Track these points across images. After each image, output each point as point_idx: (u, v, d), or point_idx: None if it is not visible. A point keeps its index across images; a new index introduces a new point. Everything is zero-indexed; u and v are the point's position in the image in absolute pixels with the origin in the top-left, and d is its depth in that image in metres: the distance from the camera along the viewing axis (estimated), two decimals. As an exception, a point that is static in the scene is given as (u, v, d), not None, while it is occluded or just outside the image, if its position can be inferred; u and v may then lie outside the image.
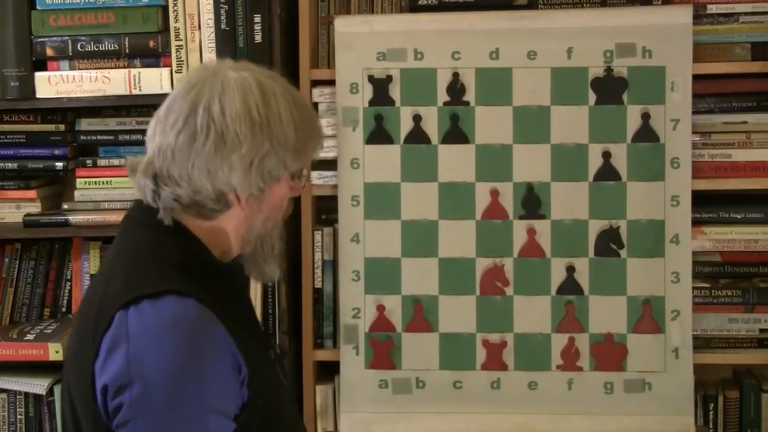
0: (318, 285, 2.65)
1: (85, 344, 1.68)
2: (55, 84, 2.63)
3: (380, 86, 2.58)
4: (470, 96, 2.56)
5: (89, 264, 2.70)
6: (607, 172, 2.54)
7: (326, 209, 2.70)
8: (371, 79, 2.58)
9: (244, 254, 1.83)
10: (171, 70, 2.60)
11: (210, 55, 2.58)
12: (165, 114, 1.74)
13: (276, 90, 1.75)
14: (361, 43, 2.58)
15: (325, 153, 2.60)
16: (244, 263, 1.85)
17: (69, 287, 2.74)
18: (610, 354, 2.56)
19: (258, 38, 2.57)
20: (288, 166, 1.76)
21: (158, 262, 1.71)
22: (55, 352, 2.58)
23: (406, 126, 2.58)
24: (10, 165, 2.74)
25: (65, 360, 1.82)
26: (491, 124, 2.56)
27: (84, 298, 1.86)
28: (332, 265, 2.64)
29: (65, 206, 2.73)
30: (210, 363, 1.63)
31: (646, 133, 2.53)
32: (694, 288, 2.57)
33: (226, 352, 1.66)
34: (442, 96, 2.57)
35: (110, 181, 2.70)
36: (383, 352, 2.60)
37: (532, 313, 2.57)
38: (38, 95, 2.63)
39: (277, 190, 1.78)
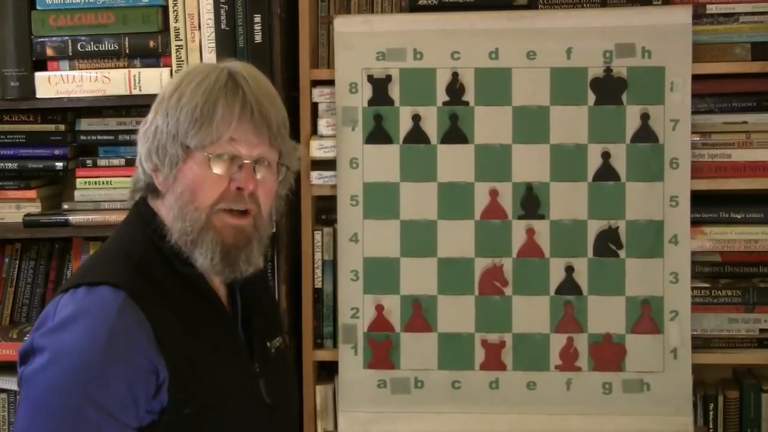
0: (318, 285, 2.65)
1: None
2: (55, 84, 2.63)
3: (379, 86, 2.58)
4: (470, 96, 2.56)
5: (89, 264, 2.70)
6: (607, 172, 2.54)
7: (326, 209, 2.70)
8: (371, 78, 2.58)
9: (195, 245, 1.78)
10: (171, 70, 2.60)
11: (210, 55, 2.58)
12: None
13: (209, 74, 1.77)
14: (360, 43, 2.58)
15: (325, 153, 2.61)
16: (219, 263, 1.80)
17: (69, 287, 2.74)
18: (608, 354, 2.56)
19: (258, 38, 2.58)
20: (187, 138, 1.75)
21: (116, 255, 1.76)
22: (55, 351, 2.58)
23: (405, 126, 2.58)
24: (10, 165, 2.75)
25: None
26: (490, 124, 2.56)
27: None
28: (332, 265, 2.64)
29: (65, 206, 2.74)
30: (113, 359, 1.64)
31: (646, 134, 2.53)
32: (694, 288, 2.57)
33: (137, 354, 1.67)
34: (442, 96, 2.57)
35: (110, 181, 2.71)
36: (382, 351, 2.60)
37: (531, 313, 2.57)
38: (38, 95, 2.63)
39: (188, 168, 1.76)
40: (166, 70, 2.60)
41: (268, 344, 1.96)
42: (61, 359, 1.63)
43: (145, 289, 1.70)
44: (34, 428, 1.63)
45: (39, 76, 2.63)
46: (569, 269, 2.55)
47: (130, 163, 2.71)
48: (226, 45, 2.58)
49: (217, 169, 1.76)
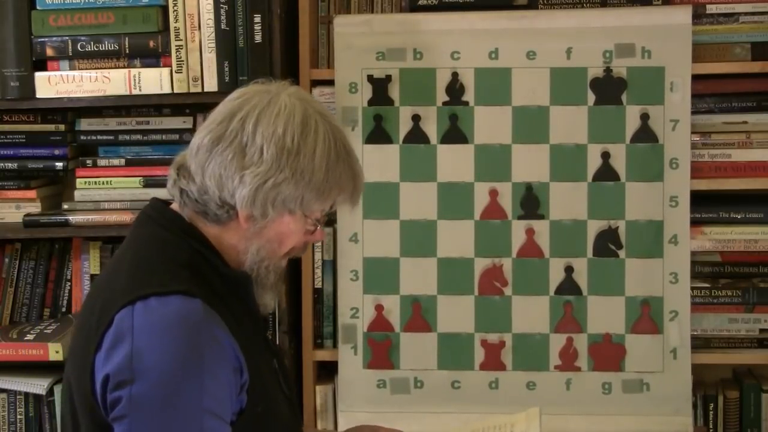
0: (318, 285, 2.65)
1: (86, 339, 1.69)
2: (55, 84, 2.63)
3: (379, 86, 2.58)
4: (469, 96, 2.56)
5: (89, 264, 2.70)
6: (606, 172, 2.54)
7: (325, 209, 2.70)
8: (370, 78, 2.58)
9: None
10: (171, 70, 2.60)
11: (210, 55, 2.58)
12: (211, 114, 1.77)
13: (320, 127, 1.73)
14: (360, 43, 2.58)
15: (325, 153, 2.60)
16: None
17: (69, 287, 2.75)
18: (608, 354, 2.56)
19: (258, 38, 2.57)
20: (305, 204, 1.74)
21: (167, 262, 1.72)
22: (55, 352, 2.58)
23: (405, 126, 2.58)
24: (10, 165, 2.74)
25: (67, 357, 1.83)
26: (490, 124, 2.56)
27: (89, 294, 1.87)
28: (332, 265, 2.64)
29: (65, 206, 2.73)
30: (210, 365, 1.63)
31: (645, 134, 2.53)
32: (694, 288, 2.57)
33: (228, 356, 1.67)
34: (441, 96, 2.57)
35: (110, 181, 2.70)
36: (381, 351, 2.60)
37: (531, 313, 2.57)
38: (38, 95, 2.63)
39: (285, 224, 1.75)
40: (166, 70, 2.60)
41: (269, 338, 1.99)
42: (167, 377, 1.60)
43: (207, 293, 1.69)
44: None
45: (39, 76, 2.63)
46: (569, 269, 2.55)
47: (130, 163, 2.71)
48: (226, 45, 2.58)
49: (311, 227, 1.79)
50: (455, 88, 2.56)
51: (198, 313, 1.64)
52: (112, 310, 1.65)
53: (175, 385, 1.61)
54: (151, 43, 2.61)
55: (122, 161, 2.72)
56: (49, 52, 2.62)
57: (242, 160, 1.69)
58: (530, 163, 2.55)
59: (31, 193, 2.74)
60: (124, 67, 2.62)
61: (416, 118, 2.58)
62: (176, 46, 2.59)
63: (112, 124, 2.74)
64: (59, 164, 2.74)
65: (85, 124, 2.74)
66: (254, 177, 1.68)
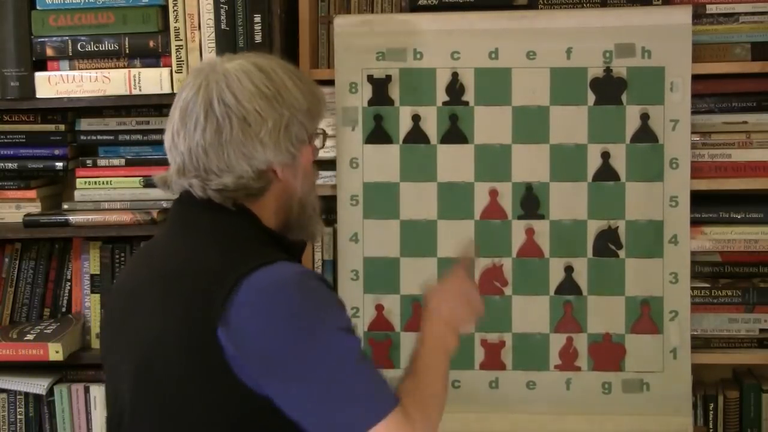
0: (318, 285, 2.64)
1: (185, 323, 1.72)
2: (55, 84, 2.63)
3: (379, 86, 2.58)
4: (469, 96, 2.56)
5: (89, 264, 2.70)
6: (606, 172, 2.54)
7: (326, 209, 2.68)
8: (370, 78, 2.58)
9: (289, 222, 1.91)
10: (171, 70, 2.60)
11: (210, 55, 2.58)
12: (180, 119, 1.82)
13: (273, 65, 1.85)
14: (360, 43, 2.58)
15: (325, 153, 2.59)
16: (290, 232, 1.92)
17: (69, 287, 2.75)
18: (608, 354, 2.56)
19: (258, 38, 2.58)
20: (308, 127, 1.86)
21: (250, 239, 1.82)
22: (55, 352, 2.58)
23: (405, 126, 2.58)
24: (10, 165, 2.75)
25: (129, 345, 1.82)
26: (490, 124, 2.56)
27: (141, 279, 1.86)
28: (332, 265, 2.64)
29: (65, 206, 2.73)
30: (336, 301, 1.80)
31: (645, 134, 2.53)
32: (694, 288, 2.57)
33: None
34: (441, 96, 2.57)
35: (110, 181, 2.71)
36: (382, 351, 2.60)
37: (531, 313, 2.57)
38: (38, 95, 2.63)
39: (305, 154, 1.88)
40: (166, 70, 2.60)
41: None
42: (310, 321, 1.71)
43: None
44: (353, 386, 1.72)
45: (39, 76, 2.63)
46: (569, 269, 2.55)
47: (130, 163, 2.71)
48: (226, 45, 2.58)
49: (318, 145, 1.94)
50: (455, 88, 2.56)
51: (308, 270, 1.82)
52: (225, 284, 1.70)
53: (319, 325, 1.71)
54: (151, 43, 2.61)
55: (122, 161, 2.72)
56: (49, 52, 2.62)
57: (249, 129, 1.78)
58: (530, 163, 2.55)
59: (31, 193, 2.74)
60: (124, 67, 2.63)
61: (416, 118, 2.58)
62: (176, 46, 2.60)
63: (112, 124, 2.74)
64: (59, 164, 2.74)
65: (85, 124, 2.74)
66: (269, 133, 1.79)
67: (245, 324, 1.69)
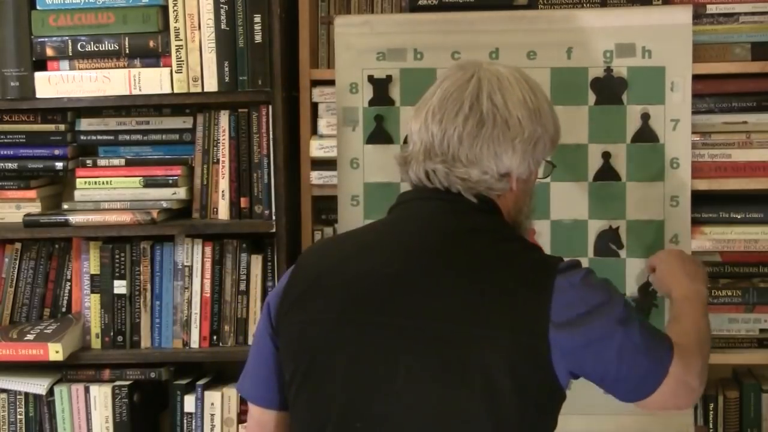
0: (318, 285, 2.64)
1: (504, 312, 1.74)
2: (55, 84, 2.63)
3: (380, 86, 2.58)
4: (470, 96, 2.56)
5: (89, 264, 2.70)
6: (607, 172, 2.54)
7: (326, 209, 2.70)
8: (371, 79, 2.58)
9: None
10: (171, 70, 2.60)
11: (210, 55, 2.58)
12: (440, 102, 1.88)
13: (537, 83, 1.95)
14: (360, 43, 2.58)
15: (325, 153, 2.61)
16: None
17: (69, 287, 2.74)
18: (609, 354, 2.55)
19: (258, 38, 2.58)
20: (547, 153, 1.95)
21: (521, 238, 1.93)
22: (55, 352, 2.58)
23: (406, 126, 2.57)
24: (10, 165, 2.75)
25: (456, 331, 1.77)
26: (491, 124, 2.55)
27: (415, 273, 1.81)
28: (332, 265, 2.64)
29: (65, 206, 2.73)
30: None
31: (646, 134, 2.53)
32: (694, 288, 2.57)
33: None
34: (442, 96, 2.56)
35: (110, 181, 2.70)
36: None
37: (532, 313, 2.56)
38: (38, 95, 2.63)
39: (535, 174, 1.97)
40: (166, 70, 2.60)
41: None
42: (618, 297, 1.87)
43: None
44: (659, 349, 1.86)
45: (39, 76, 2.63)
46: (569, 269, 2.55)
47: (130, 163, 2.71)
48: (226, 45, 2.58)
49: (542, 173, 2.02)
50: (456, 88, 2.56)
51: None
52: (546, 281, 1.77)
53: (612, 295, 1.86)
54: (151, 43, 2.61)
55: (122, 161, 2.72)
56: (49, 52, 2.62)
57: (508, 132, 1.85)
58: (530, 163, 2.55)
59: (31, 193, 2.74)
60: (124, 67, 2.62)
61: (417, 118, 2.57)
62: (176, 46, 2.59)
63: (112, 124, 2.74)
64: (59, 164, 2.74)
65: (85, 124, 2.74)
66: (523, 143, 1.86)
67: (578, 314, 1.81)
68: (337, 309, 1.81)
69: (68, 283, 2.75)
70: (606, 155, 2.54)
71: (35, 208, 2.73)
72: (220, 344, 2.68)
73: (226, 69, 2.58)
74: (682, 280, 2.17)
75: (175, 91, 2.60)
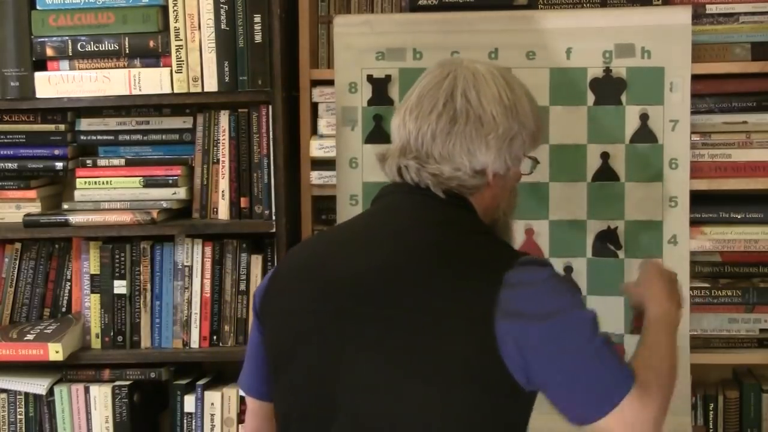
0: (318, 285, 2.64)
1: (459, 302, 1.72)
2: (55, 84, 2.63)
3: (379, 86, 2.58)
4: (469, 96, 2.56)
5: (89, 264, 2.70)
6: (606, 172, 2.54)
7: (325, 208, 2.70)
8: (370, 78, 2.59)
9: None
10: (171, 70, 2.60)
11: (210, 55, 2.58)
12: (417, 100, 1.89)
13: (516, 80, 1.93)
14: (360, 43, 2.58)
15: (325, 153, 2.61)
16: None
17: (69, 287, 2.75)
18: (608, 354, 2.55)
19: (258, 38, 2.58)
20: (526, 149, 1.91)
21: (487, 233, 1.89)
22: (55, 352, 2.59)
23: (405, 126, 2.58)
24: (10, 165, 2.75)
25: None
26: (490, 124, 2.55)
27: (370, 268, 1.80)
28: (332, 265, 2.64)
29: (65, 206, 2.74)
30: None
31: (645, 134, 2.52)
32: (693, 288, 2.57)
33: None
34: (441, 96, 2.56)
35: (110, 181, 2.71)
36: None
37: (531, 314, 2.56)
38: (38, 95, 2.64)
39: (516, 172, 1.93)
40: (166, 70, 2.60)
41: None
42: (576, 299, 1.86)
43: None
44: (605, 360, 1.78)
45: (39, 76, 2.63)
46: (568, 269, 2.55)
47: (130, 163, 2.71)
48: (226, 45, 2.58)
49: (525, 171, 1.96)
50: (455, 88, 2.56)
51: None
52: (494, 277, 1.72)
53: (580, 304, 1.83)
54: (151, 43, 2.61)
55: (122, 161, 2.72)
56: (49, 52, 2.62)
57: (482, 128, 1.84)
58: (530, 163, 2.55)
59: (31, 193, 2.75)
60: (124, 67, 2.63)
61: (416, 118, 2.57)
62: (176, 46, 2.60)
63: (112, 124, 2.74)
64: (59, 164, 2.74)
65: (85, 124, 2.75)
66: (497, 139, 1.84)
67: (524, 312, 1.75)
68: (311, 300, 1.83)
69: (68, 283, 2.75)
70: (605, 155, 2.54)
71: (35, 208, 2.74)
72: (220, 344, 2.68)
73: (226, 69, 2.58)
74: (659, 294, 2.08)
75: (175, 91, 2.61)
